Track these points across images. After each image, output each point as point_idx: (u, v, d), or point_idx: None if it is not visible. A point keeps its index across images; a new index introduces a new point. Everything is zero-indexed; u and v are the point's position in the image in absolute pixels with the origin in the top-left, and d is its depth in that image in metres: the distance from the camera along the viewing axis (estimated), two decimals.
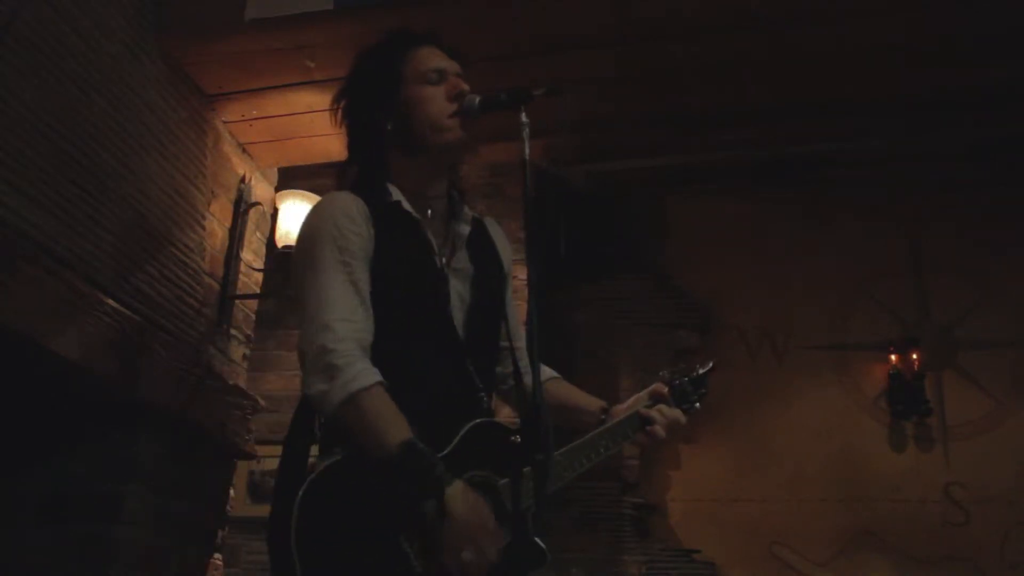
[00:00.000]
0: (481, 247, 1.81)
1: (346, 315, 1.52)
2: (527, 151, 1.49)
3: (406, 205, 1.68)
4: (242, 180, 3.35)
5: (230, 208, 3.28)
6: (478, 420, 1.59)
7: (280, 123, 3.25)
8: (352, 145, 1.80)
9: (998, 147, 3.92)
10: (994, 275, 4.07)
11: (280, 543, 1.36)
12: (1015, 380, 3.95)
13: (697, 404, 1.95)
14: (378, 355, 1.52)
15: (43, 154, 2.31)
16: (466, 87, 1.72)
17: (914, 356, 4.00)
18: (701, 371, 1.98)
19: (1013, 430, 3.87)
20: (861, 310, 4.19)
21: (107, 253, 2.54)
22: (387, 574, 1.36)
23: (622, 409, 1.83)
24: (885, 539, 3.83)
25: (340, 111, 1.80)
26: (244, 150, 3.38)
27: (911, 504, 3.86)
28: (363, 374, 1.46)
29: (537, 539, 1.51)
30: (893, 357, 4.03)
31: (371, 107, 1.74)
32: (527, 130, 1.51)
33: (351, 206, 1.63)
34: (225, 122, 3.24)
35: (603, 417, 1.82)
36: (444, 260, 1.70)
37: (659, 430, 1.78)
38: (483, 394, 1.67)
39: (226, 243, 3.23)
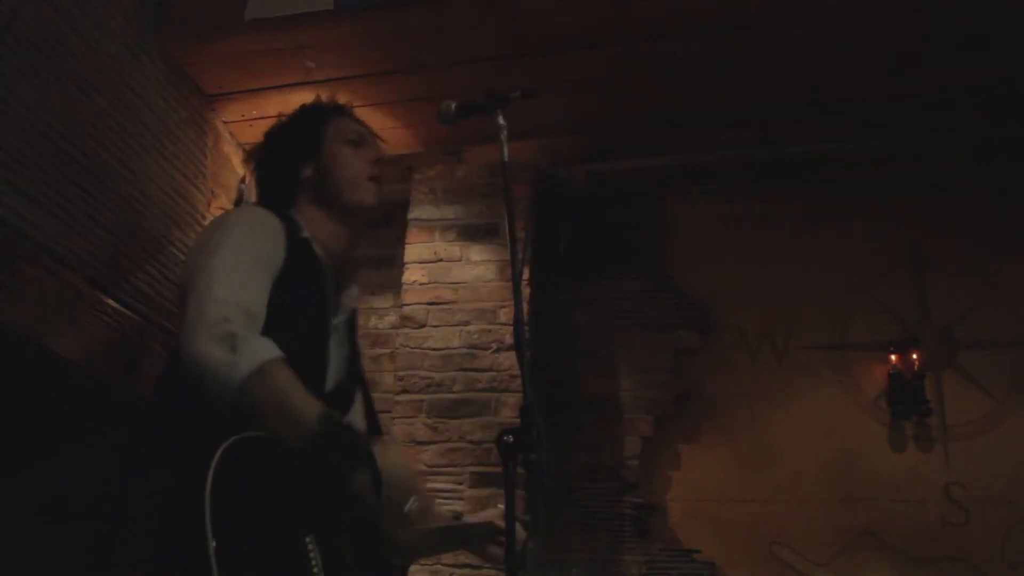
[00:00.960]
0: (352, 329, 1.81)
1: (250, 300, 1.45)
2: (506, 153, 1.51)
3: (316, 247, 1.69)
4: (242, 180, 3.35)
5: (230, 208, 3.28)
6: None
7: None
8: (262, 185, 1.83)
9: (998, 147, 3.91)
10: (994, 275, 4.07)
11: (187, 527, 1.22)
12: (1015, 380, 3.94)
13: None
14: None
15: (43, 154, 2.31)
16: (384, 154, 1.80)
17: (914, 356, 3.99)
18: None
19: (1013, 430, 3.87)
20: (861, 310, 4.18)
21: (107, 253, 2.55)
22: (289, 570, 1.28)
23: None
24: (885, 539, 3.83)
25: (255, 165, 1.86)
26: (244, 150, 3.38)
27: (911, 504, 3.86)
28: (269, 346, 1.40)
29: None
30: (893, 357, 4.02)
31: (290, 153, 1.79)
32: (504, 133, 1.52)
33: (273, 222, 1.63)
34: (225, 122, 3.24)
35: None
36: (332, 318, 1.69)
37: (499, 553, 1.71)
38: None
39: None
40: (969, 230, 4.15)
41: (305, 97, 3.14)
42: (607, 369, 4.18)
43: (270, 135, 1.89)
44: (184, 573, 1.28)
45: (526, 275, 3.64)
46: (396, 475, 1.35)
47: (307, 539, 1.31)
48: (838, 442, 3.99)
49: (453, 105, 1.68)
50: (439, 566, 3.28)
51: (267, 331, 1.46)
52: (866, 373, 4.09)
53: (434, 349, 3.60)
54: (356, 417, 1.76)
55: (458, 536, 1.77)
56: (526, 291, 3.65)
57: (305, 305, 1.61)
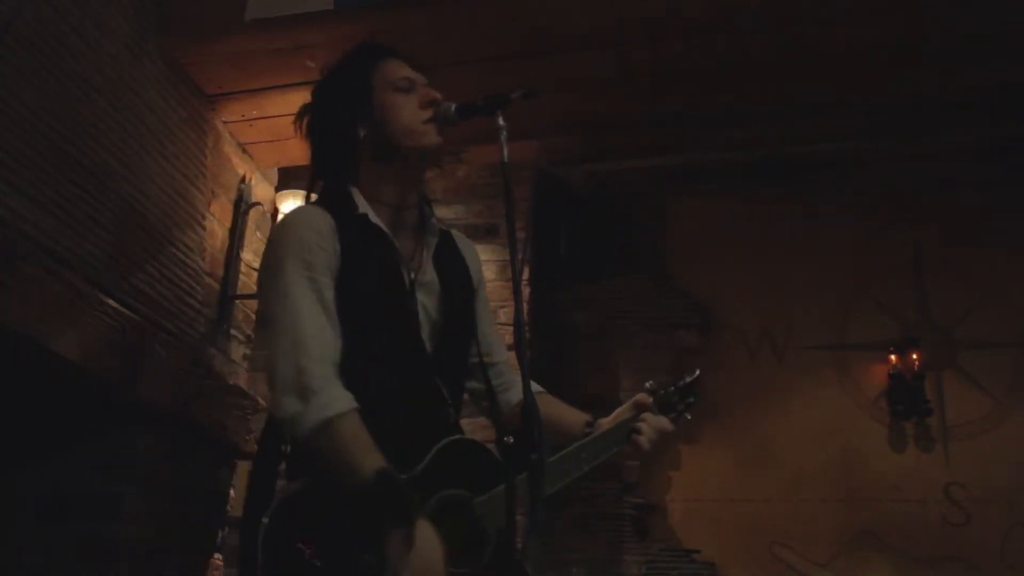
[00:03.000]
0: (448, 260, 1.78)
1: (316, 333, 1.49)
2: (505, 154, 1.49)
3: (373, 217, 1.65)
4: (242, 180, 3.35)
5: (230, 208, 3.28)
6: (450, 438, 1.58)
7: (280, 123, 3.25)
8: (319, 156, 1.77)
9: (998, 147, 3.91)
10: (994, 275, 4.07)
11: (248, 566, 1.37)
12: (1015, 380, 3.95)
13: (687, 414, 1.90)
14: (346, 372, 1.49)
15: (43, 154, 2.31)
16: (438, 95, 1.71)
17: (914, 356, 4.00)
18: (688, 379, 1.92)
19: (1013, 430, 3.87)
20: (861, 310, 4.18)
21: (107, 253, 2.54)
22: None
23: (607, 422, 1.81)
24: (885, 539, 3.83)
25: (307, 124, 1.78)
26: (244, 150, 3.38)
27: (911, 504, 3.86)
28: (339, 399, 1.44)
29: (519, 559, 1.50)
30: (893, 357, 4.03)
31: (343, 114, 1.72)
32: (504, 134, 1.51)
33: (319, 220, 1.60)
34: (225, 122, 3.24)
35: (588, 431, 1.79)
36: (412, 274, 1.67)
37: (643, 440, 1.76)
38: (452, 410, 1.66)
39: (226, 243, 3.23)
40: (969, 230, 4.15)
41: (305, 97, 3.14)
42: (607, 369, 4.19)
43: (317, 97, 1.80)
44: None
45: (526, 275, 3.65)
46: (420, 553, 1.35)
47: (366, 556, 1.35)
48: (838, 442, 3.99)
49: (453, 106, 1.67)
50: None
51: (348, 329, 1.53)
52: (866, 373, 4.10)
53: None
54: (487, 348, 1.79)
55: (588, 451, 1.73)
56: (526, 291, 3.66)
57: (377, 282, 1.61)
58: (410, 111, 1.69)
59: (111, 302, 2.46)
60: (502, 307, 3.61)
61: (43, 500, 2.59)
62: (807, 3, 2.71)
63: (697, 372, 1.92)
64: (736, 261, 4.31)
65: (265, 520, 1.36)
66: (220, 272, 3.18)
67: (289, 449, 1.53)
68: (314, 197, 1.76)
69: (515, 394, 1.81)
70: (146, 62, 2.78)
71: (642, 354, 4.22)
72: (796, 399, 4.10)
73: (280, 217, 3.47)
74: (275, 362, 1.48)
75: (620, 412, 1.83)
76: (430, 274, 1.72)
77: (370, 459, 1.38)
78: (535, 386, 1.81)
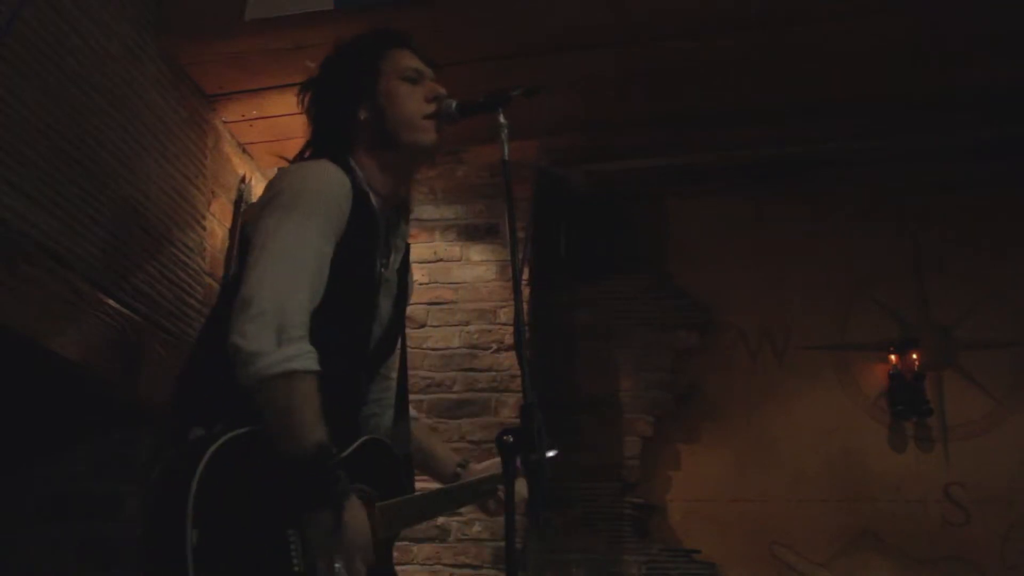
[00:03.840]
0: (403, 271, 1.79)
1: (309, 286, 1.44)
2: (506, 153, 1.49)
3: (373, 199, 1.64)
4: (242, 180, 3.35)
5: (230, 208, 3.28)
6: (373, 436, 1.59)
7: (280, 123, 3.25)
8: (316, 131, 1.74)
9: (998, 147, 3.91)
10: (994, 275, 4.07)
11: (173, 503, 1.26)
12: (1015, 380, 3.94)
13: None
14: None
15: (43, 154, 2.31)
16: (443, 91, 1.71)
17: (914, 356, 3.99)
18: (550, 454, 1.87)
19: (1013, 430, 3.87)
20: (861, 310, 4.18)
21: (107, 253, 2.54)
22: (269, 565, 1.31)
23: (478, 469, 1.81)
24: (885, 539, 3.83)
25: (309, 98, 1.76)
26: (244, 150, 3.38)
27: (911, 504, 3.86)
28: (310, 356, 1.39)
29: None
30: (893, 357, 4.02)
31: (346, 93, 1.70)
32: (506, 131, 1.51)
33: (343, 180, 1.58)
34: (225, 122, 3.24)
35: (459, 471, 1.79)
36: (381, 268, 1.66)
37: (494, 505, 1.75)
38: (363, 406, 1.66)
39: (226, 243, 3.23)
40: (969, 230, 4.15)
41: None
42: (607, 369, 4.18)
43: (324, 71, 1.77)
44: (163, 557, 1.29)
45: (526, 275, 3.65)
46: (349, 535, 1.34)
47: (289, 531, 1.32)
48: (838, 442, 3.99)
49: (454, 103, 1.66)
50: (439, 566, 3.28)
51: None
52: (866, 373, 4.09)
53: (434, 349, 3.60)
54: (393, 363, 1.77)
55: (454, 496, 1.74)
56: (526, 291, 3.66)
57: (358, 264, 1.58)
58: (413, 103, 1.68)
59: (111, 302, 2.46)
60: (502, 307, 3.61)
61: (43, 500, 2.59)
62: (807, 3, 2.71)
63: (556, 451, 1.77)
64: (736, 261, 4.31)
65: (207, 456, 1.27)
66: (220, 272, 3.18)
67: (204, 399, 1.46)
68: None
69: (384, 421, 1.78)
70: (146, 62, 2.78)
71: (642, 354, 4.21)
72: (796, 399, 4.10)
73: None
74: (260, 287, 1.39)
75: (488, 466, 1.81)
76: (392, 274, 1.72)
77: (317, 430, 1.35)
78: (411, 412, 1.81)
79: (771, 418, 4.08)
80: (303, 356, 1.37)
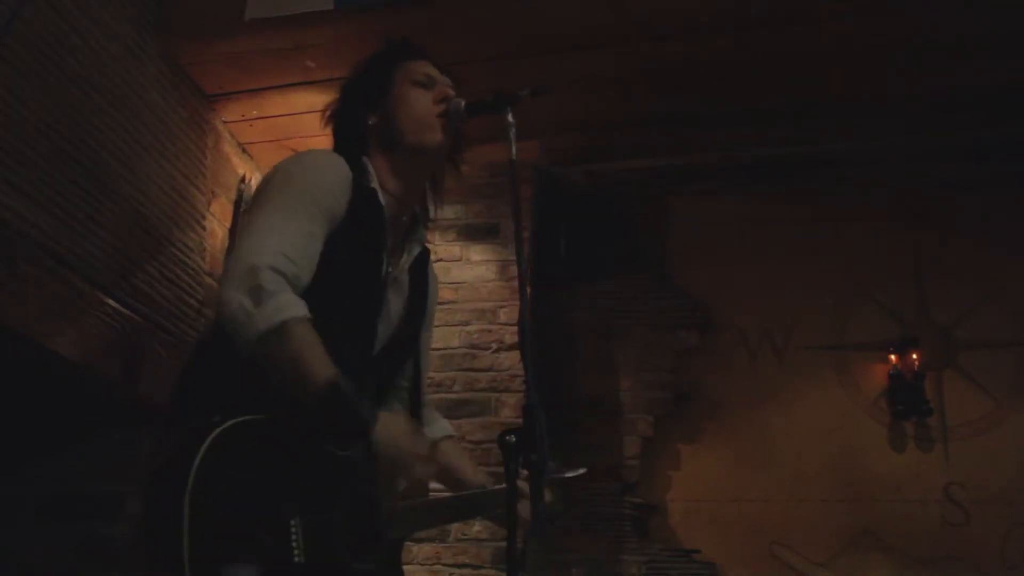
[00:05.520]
0: (419, 274, 1.79)
1: (292, 255, 1.44)
2: (514, 152, 1.49)
3: (381, 197, 1.65)
4: (242, 180, 3.35)
5: (230, 208, 3.28)
6: None
7: (280, 123, 3.25)
8: (335, 139, 1.79)
9: (998, 147, 3.91)
10: (994, 275, 4.07)
11: (168, 496, 1.26)
12: (1015, 380, 3.94)
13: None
14: None
15: (43, 154, 2.31)
16: (452, 93, 1.72)
17: (914, 356, 3.99)
18: (569, 475, 1.80)
19: (1013, 430, 3.87)
20: (861, 310, 4.18)
21: (107, 253, 2.55)
22: (268, 553, 1.29)
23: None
24: (885, 539, 3.83)
25: (328, 117, 1.82)
26: (244, 150, 3.38)
27: (911, 504, 3.86)
28: (294, 304, 1.39)
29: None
30: (893, 357, 4.02)
31: (357, 102, 1.75)
32: (513, 131, 1.51)
33: (342, 168, 1.61)
34: (225, 122, 3.24)
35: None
36: (389, 268, 1.67)
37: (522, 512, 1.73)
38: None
39: (226, 243, 3.23)
40: (969, 230, 4.15)
41: (305, 97, 3.17)
42: (607, 369, 4.18)
43: (342, 89, 1.82)
44: (162, 549, 1.28)
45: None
46: (391, 453, 1.35)
47: (292, 522, 1.31)
48: (838, 442, 3.99)
49: (462, 103, 1.67)
50: (439, 566, 3.28)
51: (316, 283, 1.48)
52: (866, 373, 4.09)
53: (434, 349, 3.57)
54: (408, 371, 1.77)
55: (470, 505, 1.71)
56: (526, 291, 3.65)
57: (360, 258, 1.59)
58: (421, 105, 1.70)
59: (111, 302, 2.46)
60: (502, 307, 3.61)
61: (44, 499, 2.59)
62: (807, 3, 2.71)
63: (582, 470, 1.80)
64: (736, 261, 4.30)
65: (203, 449, 1.26)
66: (220, 272, 3.18)
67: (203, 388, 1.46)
68: None
69: (431, 432, 1.79)
70: (146, 62, 2.78)
71: (642, 354, 4.21)
72: (796, 399, 4.10)
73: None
74: (235, 257, 1.42)
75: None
76: (403, 276, 1.72)
77: (323, 367, 1.35)
78: (447, 428, 1.83)
79: (771, 418, 4.08)
80: (287, 306, 1.37)
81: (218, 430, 1.31)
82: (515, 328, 3.52)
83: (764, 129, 3.47)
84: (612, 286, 4.35)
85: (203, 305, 3.04)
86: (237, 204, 3.31)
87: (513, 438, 1.29)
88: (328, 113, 1.82)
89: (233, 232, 3.26)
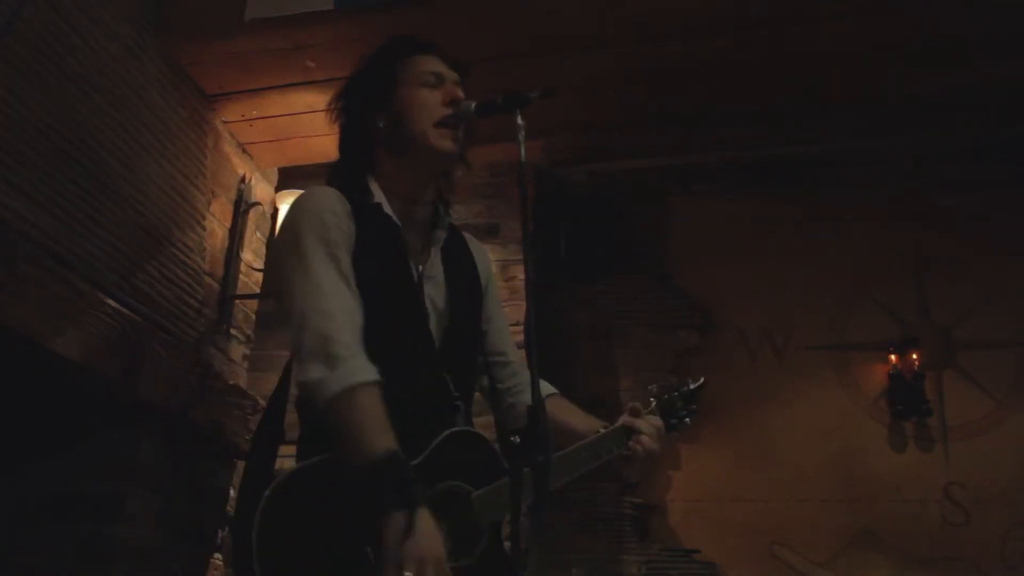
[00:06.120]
0: (456, 256, 1.79)
1: (340, 304, 1.50)
2: (523, 153, 1.48)
3: (387, 208, 1.66)
4: (242, 180, 3.35)
5: (230, 208, 3.28)
6: (454, 429, 1.58)
7: (280, 123, 3.25)
8: (342, 143, 1.79)
9: (998, 147, 3.91)
10: (994, 275, 4.07)
11: (242, 542, 1.35)
12: (1015, 380, 3.95)
13: (687, 419, 1.86)
14: None
15: (43, 154, 2.31)
16: (462, 95, 1.71)
17: (914, 356, 3.99)
18: (692, 386, 1.89)
19: (1013, 430, 3.87)
20: (861, 310, 4.18)
21: (107, 253, 2.54)
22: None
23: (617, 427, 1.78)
24: (885, 539, 3.83)
25: (335, 110, 1.80)
26: (244, 150, 3.38)
27: (911, 504, 3.86)
28: (364, 369, 1.44)
29: (509, 556, 1.50)
30: (893, 357, 4.03)
31: (364, 104, 1.73)
32: (523, 133, 1.50)
33: (334, 201, 1.62)
34: (225, 122, 3.24)
35: (601, 431, 1.76)
36: (419, 267, 1.68)
37: (645, 440, 1.71)
38: (460, 403, 1.64)
39: (226, 243, 3.23)
40: (969, 230, 4.15)
41: (305, 97, 3.16)
42: (607, 369, 4.19)
43: (347, 86, 1.81)
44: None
45: (522, 276, 3.64)
46: (419, 539, 1.34)
47: (368, 550, 1.35)
48: (838, 442, 3.99)
49: (472, 105, 1.66)
50: None
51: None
52: (866, 373, 4.10)
53: None
54: (500, 346, 1.82)
55: (587, 452, 1.69)
56: (523, 291, 3.65)
57: (384, 272, 1.61)
58: (430, 108, 1.69)
59: (111, 302, 2.46)
60: (502, 307, 3.61)
61: (43, 500, 2.58)
62: (807, 3, 2.71)
63: (702, 380, 1.89)
64: (736, 261, 4.31)
65: (267, 493, 1.36)
66: (220, 272, 3.18)
67: (299, 434, 1.54)
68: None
69: (529, 396, 1.79)
70: (146, 62, 2.78)
71: (642, 354, 4.22)
72: (796, 399, 4.10)
73: (285, 208, 3.47)
74: (300, 334, 1.48)
75: (621, 423, 1.80)
76: (437, 268, 1.72)
77: (383, 438, 1.38)
78: (549, 388, 1.81)
79: (771, 418, 4.08)
80: (358, 371, 1.44)
81: (280, 479, 1.40)
82: (516, 328, 3.52)
83: (764, 129, 3.47)
84: (612, 286, 4.35)
85: (203, 305, 3.03)
86: (237, 204, 3.31)
87: (517, 439, 1.29)
88: (335, 111, 1.80)
89: (233, 232, 3.26)
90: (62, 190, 2.37)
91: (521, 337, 3.51)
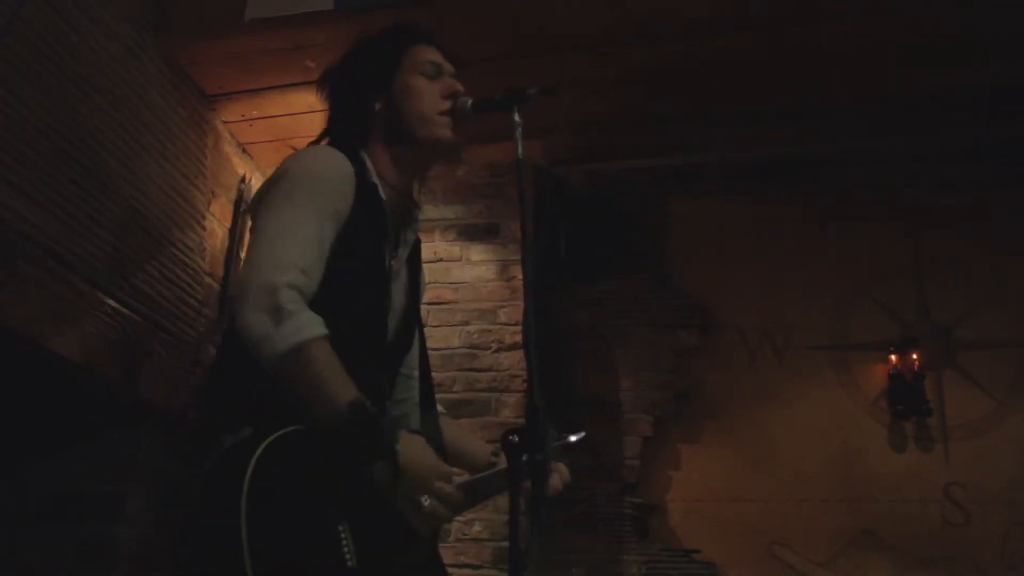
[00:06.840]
0: (414, 265, 1.78)
1: (306, 267, 1.44)
2: (520, 151, 1.48)
3: (381, 191, 1.64)
4: (242, 180, 3.35)
5: (230, 208, 3.28)
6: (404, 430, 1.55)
7: (280, 123, 3.25)
8: (332, 120, 1.75)
9: (998, 147, 3.91)
10: (994, 275, 4.07)
11: (220, 539, 1.30)
12: (1015, 380, 3.95)
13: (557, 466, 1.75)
14: None
15: (43, 154, 2.31)
16: (461, 88, 1.70)
17: (914, 356, 3.99)
18: (571, 439, 1.76)
19: (1013, 430, 3.87)
20: (861, 310, 4.18)
21: (107, 253, 2.54)
22: (322, 563, 1.31)
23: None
24: (885, 539, 3.83)
25: (328, 86, 1.77)
26: (244, 150, 3.38)
27: (911, 504, 3.86)
28: (312, 323, 1.38)
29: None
30: (893, 357, 4.03)
31: (363, 85, 1.71)
32: (520, 130, 1.50)
33: (346, 167, 1.58)
34: (225, 122, 3.24)
35: (493, 461, 1.75)
36: (391, 261, 1.66)
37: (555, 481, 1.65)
38: (389, 403, 1.64)
39: (226, 243, 3.23)
40: (969, 230, 4.15)
41: (305, 97, 3.16)
42: (607, 369, 4.19)
43: (344, 62, 1.78)
44: (216, 563, 1.31)
45: (521, 275, 3.65)
46: (415, 471, 1.34)
47: (340, 528, 1.31)
48: (838, 442, 3.99)
49: (469, 101, 1.66)
50: None
51: (325, 282, 1.47)
52: (866, 373, 4.10)
53: (434, 349, 3.59)
54: (413, 361, 1.75)
55: (493, 484, 1.65)
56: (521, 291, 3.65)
57: (365, 256, 1.58)
58: (429, 99, 1.67)
59: (111, 302, 2.46)
60: (502, 307, 3.61)
61: (43, 500, 2.58)
62: (807, 3, 2.71)
63: (583, 434, 1.76)
64: (736, 261, 4.31)
65: (251, 464, 1.30)
66: (220, 272, 3.18)
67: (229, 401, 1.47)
68: None
69: (413, 420, 1.76)
70: (146, 62, 2.78)
71: (642, 354, 4.22)
72: (796, 399, 4.10)
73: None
74: (252, 271, 1.42)
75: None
76: (403, 267, 1.71)
77: (344, 388, 1.35)
78: (438, 407, 1.79)
79: (771, 418, 4.08)
80: (305, 326, 1.37)
81: (259, 450, 1.32)
82: (515, 328, 3.52)
83: (764, 129, 3.47)
84: (612, 286, 4.35)
85: (203, 305, 3.04)
86: (237, 204, 3.31)
87: (516, 438, 1.29)
88: (325, 91, 1.77)
89: (233, 232, 3.26)
90: (62, 190, 2.37)
91: (520, 338, 3.51)
